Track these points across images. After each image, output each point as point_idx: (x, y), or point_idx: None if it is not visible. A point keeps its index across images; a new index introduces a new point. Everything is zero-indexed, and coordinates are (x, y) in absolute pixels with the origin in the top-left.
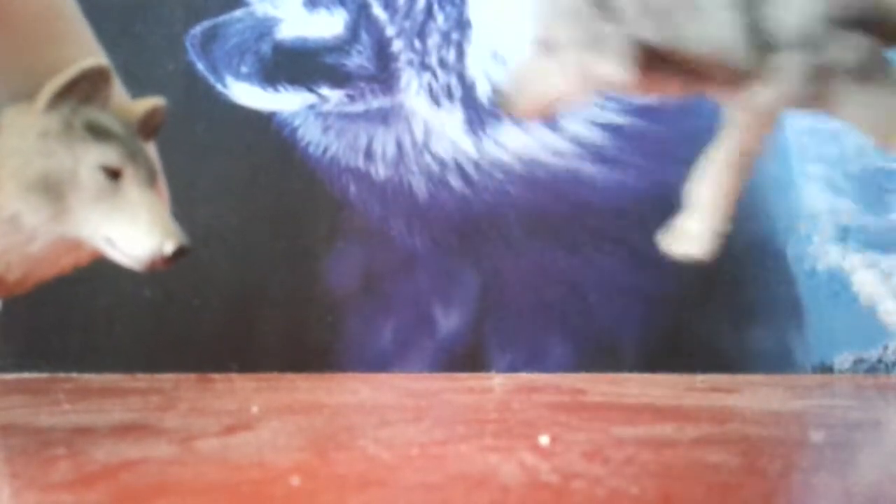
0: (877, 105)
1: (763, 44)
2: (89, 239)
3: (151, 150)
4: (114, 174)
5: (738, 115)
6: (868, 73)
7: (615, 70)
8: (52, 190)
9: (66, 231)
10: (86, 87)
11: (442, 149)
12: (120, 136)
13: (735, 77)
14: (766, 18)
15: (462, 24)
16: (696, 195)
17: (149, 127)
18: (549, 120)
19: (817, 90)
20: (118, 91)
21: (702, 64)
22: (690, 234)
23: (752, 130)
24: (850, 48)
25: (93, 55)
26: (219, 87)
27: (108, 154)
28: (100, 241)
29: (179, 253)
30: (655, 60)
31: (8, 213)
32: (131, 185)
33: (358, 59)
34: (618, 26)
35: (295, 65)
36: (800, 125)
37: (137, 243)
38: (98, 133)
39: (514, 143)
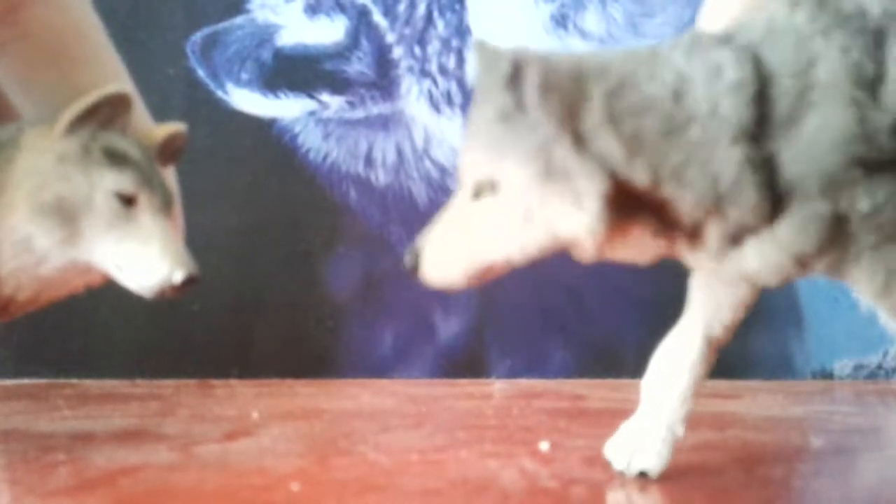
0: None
1: (777, 187)
2: (100, 264)
3: (171, 174)
4: (128, 201)
5: (708, 292)
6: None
7: (585, 219)
8: (66, 214)
9: (77, 255)
10: (106, 113)
11: (442, 155)
12: (137, 162)
13: (728, 230)
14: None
15: (462, 31)
16: (649, 396)
17: (169, 152)
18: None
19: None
20: (141, 114)
21: (691, 211)
22: (644, 447)
23: (727, 310)
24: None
25: (117, 79)
26: (219, 93)
27: (124, 180)
28: (110, 266)
29: (189, 282)
30: (629, 206)
31: (20, 235)
32: (145, 213)
33: (358, 66)
34: (588, 158)
35: (295, 71)
36: None
37: (147, 271)
38: (115, 159)
39: None
